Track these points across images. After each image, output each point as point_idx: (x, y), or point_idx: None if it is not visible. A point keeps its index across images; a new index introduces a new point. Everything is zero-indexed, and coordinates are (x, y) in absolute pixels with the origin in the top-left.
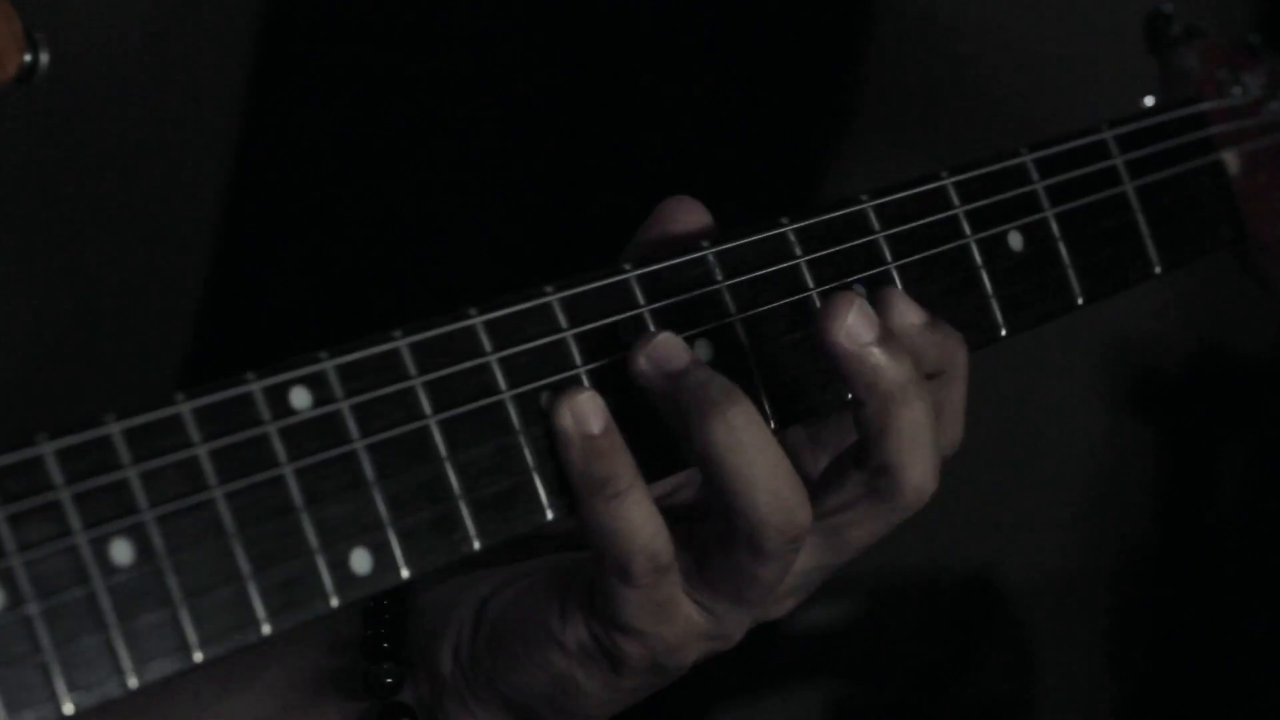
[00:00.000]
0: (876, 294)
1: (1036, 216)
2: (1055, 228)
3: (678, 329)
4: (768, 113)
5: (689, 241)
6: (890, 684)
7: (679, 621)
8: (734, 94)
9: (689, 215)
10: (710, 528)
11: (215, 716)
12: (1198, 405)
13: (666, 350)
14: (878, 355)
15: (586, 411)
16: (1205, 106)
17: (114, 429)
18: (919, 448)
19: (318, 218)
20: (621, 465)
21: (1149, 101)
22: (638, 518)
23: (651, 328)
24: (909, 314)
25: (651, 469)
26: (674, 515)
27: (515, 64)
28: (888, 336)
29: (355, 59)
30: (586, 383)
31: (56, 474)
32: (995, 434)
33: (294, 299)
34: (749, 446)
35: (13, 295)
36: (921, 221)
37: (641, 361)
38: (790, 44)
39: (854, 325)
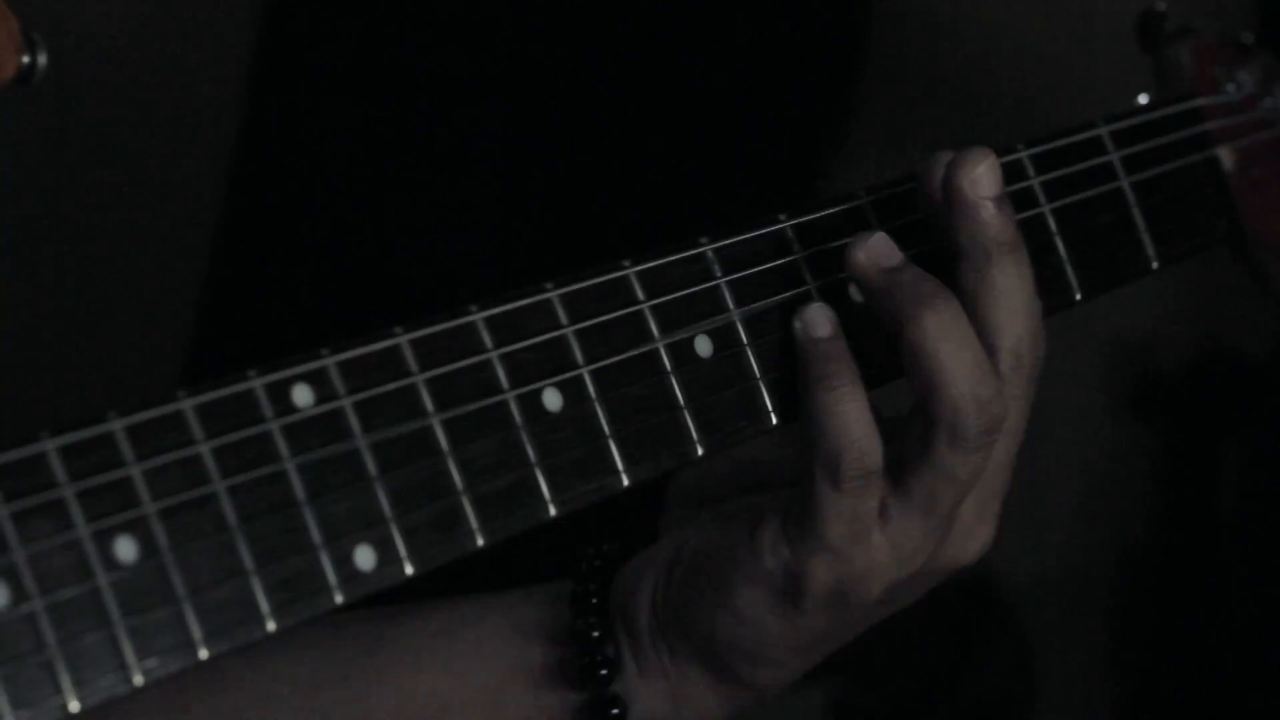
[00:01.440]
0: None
1: (1033, 211)
2: (1052, 223)
3: (677, 325)
4: (768, 112)
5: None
6: (890, 684)
7: (868, 546)
8: (734, 92)
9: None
10: (910, 430)
11: (433, 659)
12: (1198, 405)
13: (881, 248)
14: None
15: (816, 319)
16: (1200, 102)
17: (116, 426)
18: (1017, 309)
19: (318, 217)
20: (844, 366)
21: (1144, 99)
22: (854, 413)
23: (653, 325)
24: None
25: (658, 463)
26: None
27: (515, 64)
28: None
29: (355, 59)
30: (588, 379)
31: (60, 471)
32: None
33: (294, 298)
34: (956, 337)
35: (13, 295)
36: (919, 216)
37: (860, 256)
38: (790, 42)
39: (982, 177)
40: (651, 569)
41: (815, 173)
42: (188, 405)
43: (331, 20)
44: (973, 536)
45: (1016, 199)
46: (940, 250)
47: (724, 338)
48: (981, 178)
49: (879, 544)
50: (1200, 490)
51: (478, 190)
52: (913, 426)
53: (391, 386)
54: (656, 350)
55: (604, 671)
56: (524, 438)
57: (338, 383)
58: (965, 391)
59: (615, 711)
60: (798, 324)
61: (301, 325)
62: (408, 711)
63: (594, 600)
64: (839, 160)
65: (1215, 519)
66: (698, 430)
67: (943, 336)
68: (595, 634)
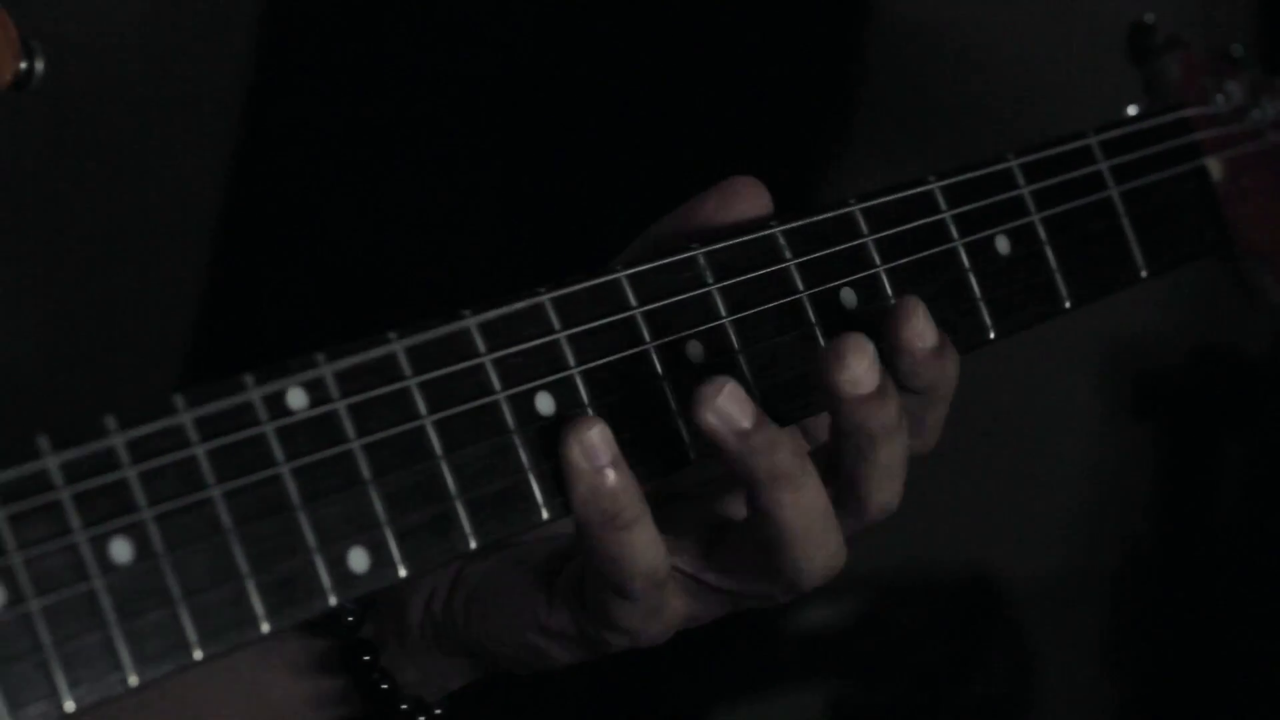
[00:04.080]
0: (899, 300)
1: (1023, 220)
2: (1042, 232)
3: (669, 330)
4: (765, 118)
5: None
6: (890, 684)
7: (668, 617)
8: (731, 99)
9: (752, 200)
10: (740, 549)
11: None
12: (1198, 405)
13: (731, 408)
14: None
15: (596, 445)
16: (1189, 113)
17: (113, 429)
18: (889, 479)
19: (318, 218)
20: (630, 497)
21: (1133, 110)
22: (641, 545)
23: (645, 331)
24: (926, 336)
25: (650, 468)
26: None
27: (514, 65)
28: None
29: (355, 59)
30: (580, 382)
31: (56, 474)
32: (995, 434)
33: (294, 299)
34: (813, 516)
35: (12, 295)
36: (909, 225)
37: (710, 418)
38: (788, 49)
39: (726, 411)
40: (428, 579)
41: (813, 181)
42: (183, 408)
43: (331, 21)
44: None
45: (1007, 208)
46: (932, 260)
47: (715, 343)
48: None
49: (676, 611)
50: (1200, 490)
51: (478, 191)
52: (744, 551)
53: (385, 390)
54: (648, 355)
55: (366, 657)
56: (517, 442)
57: (332, 386)
58: (818, 562)
59: (385, 687)
60: (575, 451)
61: (301, 325)
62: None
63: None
64: (836, 169)
65: (1215, 518)
66: (689, 436)
67: (799, 514)
68: (350, 619)
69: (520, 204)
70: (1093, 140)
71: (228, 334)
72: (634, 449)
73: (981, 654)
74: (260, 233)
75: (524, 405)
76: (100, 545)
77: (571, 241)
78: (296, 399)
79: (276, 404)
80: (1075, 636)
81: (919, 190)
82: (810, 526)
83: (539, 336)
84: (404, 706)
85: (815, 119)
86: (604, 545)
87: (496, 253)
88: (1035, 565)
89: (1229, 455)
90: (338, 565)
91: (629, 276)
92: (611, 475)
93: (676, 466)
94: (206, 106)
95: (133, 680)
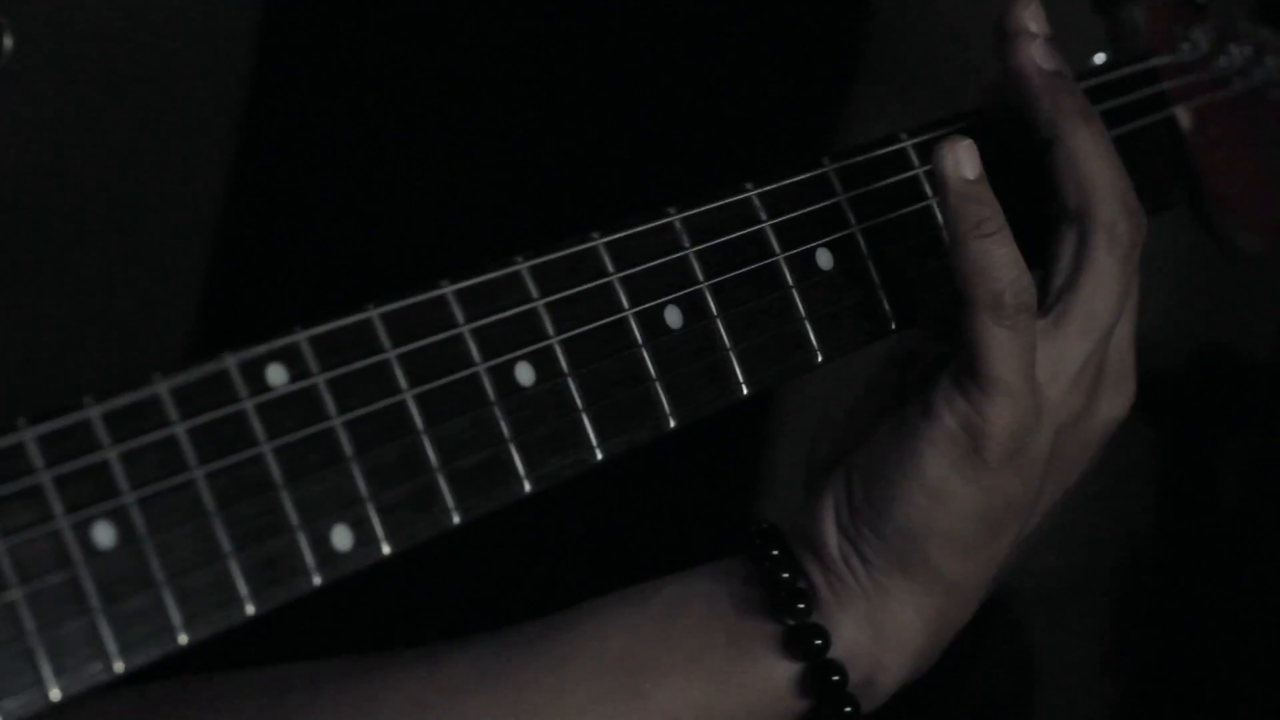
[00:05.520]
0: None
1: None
2: None
3: (647, 296)
4: (767, 92)
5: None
6: None
7: (1034, 381)
8: (735, 69)
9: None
10: (1059, 256)
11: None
12: (1198, 405)
13: (1044, 53)
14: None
15: (965, 158)
16: (1156, 62)
17: (93, 410)
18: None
19: (318, 216)
20: (993, 206)
21: (1100, 59)
22: (1008, 254)
23: (623, 297)
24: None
25: (631, 436)
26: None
27: (515, 58)
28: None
29: (355, 58)
30: (560, 352)
31: (37, 457)
32: None
33: (295, 296)
34: (1108, 150)
35: (12, 293)
36: (884, 182)
37: (1033, 55)
38: (789, 21)
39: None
40: (827, 498)
41: (815, 143)
42: (163, 387)
43: (331, 20)
44: (1120, 390)
45: None
46: (900, 221)
47: (693, 308)
48: (1037, 53)
49: (1044, 370)
50: (1200, 490)
51: (480, 185)
52: (1062, 253)
53: (365, 363)
54: (627, 321)
55: (801, 605)
56: (497, 413)
57: (311, 361)
58: (1120, 194)
59: (818, 642)
60: (949, 161)
61: (301, 323)
62: None
63: (775, 552)
64: (832, 132)
65: (1215, 518)
66: (669, 402)
67: (1098, 148)
68: (785, 574)
69: (524, 193)
70: None
71: (229, 331)
72: (615, 417)
73: (981, 654)
74: (261, 229)
75: (504, 376)
76: (83, 529)
77: (578, 221)
78: (276, 375)
79: (256, 380)
80: (1075, 636)
81: (891, 149)
82: (1107, 158)
83: (517, 305)
84: (847, 711)
85: (818, 86)
86: (974, 254)
87: (500, 245)
88: (1035, 565)
89: (1229, 455)
90: (321, 544)
91: (606, 242)
92: (978, 185)
93: (658, 433)
94: (207, 104)
95: (118, 667)
